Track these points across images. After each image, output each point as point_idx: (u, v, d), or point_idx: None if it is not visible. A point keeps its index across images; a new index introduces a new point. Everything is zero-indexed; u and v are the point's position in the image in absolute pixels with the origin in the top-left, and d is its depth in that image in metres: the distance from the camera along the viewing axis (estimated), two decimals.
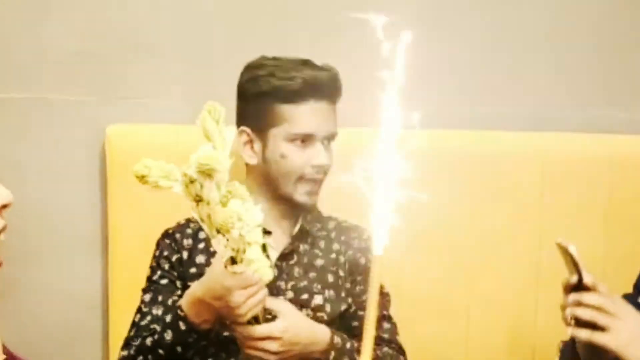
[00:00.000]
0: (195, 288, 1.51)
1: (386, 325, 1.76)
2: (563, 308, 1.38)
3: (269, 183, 1.70)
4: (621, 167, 2.03)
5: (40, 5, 1.90)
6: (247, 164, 1.72)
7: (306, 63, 1.68)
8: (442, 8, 2.06)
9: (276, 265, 1.69)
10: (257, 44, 1.81)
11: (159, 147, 1.88)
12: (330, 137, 1.69)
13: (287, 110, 1.66)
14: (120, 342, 1.65)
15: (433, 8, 2.04)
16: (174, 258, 1.69)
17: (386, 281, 1.77)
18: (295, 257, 1.71)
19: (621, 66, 2.18)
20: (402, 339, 1.76)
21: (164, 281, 1.68)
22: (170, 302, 1.63)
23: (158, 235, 1.73)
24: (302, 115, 1.65)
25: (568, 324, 1.38)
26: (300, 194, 1.68)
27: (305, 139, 1.66)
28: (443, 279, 2.01)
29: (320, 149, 1.67)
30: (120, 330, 1.79)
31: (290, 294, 1.68)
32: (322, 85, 1.65)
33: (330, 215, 1.78)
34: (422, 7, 2.00)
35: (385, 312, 1.78)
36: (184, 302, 1.54)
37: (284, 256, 1.71)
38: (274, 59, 1.69)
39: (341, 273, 1.74)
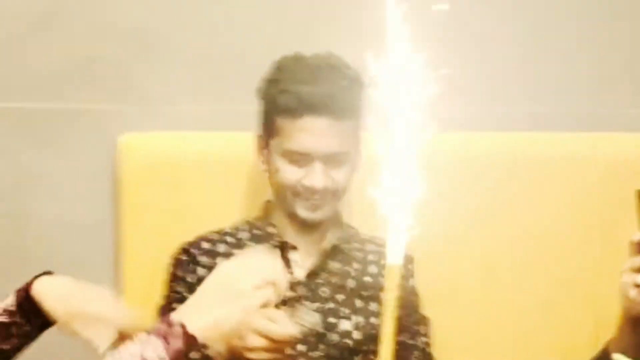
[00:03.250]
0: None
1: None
2: (635, 270, 1.34)
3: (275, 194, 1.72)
4: None
5: (49, 10, 1.92)
6: None
7: (330, 68, 1.63)
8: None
9: (302, 284, 1.68)
10: (272, 47, 1.81)
11: (174, 156, 1.90)
12: (335, 157, 1.64)
13: (281, 123, 1.64)
14: None
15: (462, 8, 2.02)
16: (189, 278, 1.69)
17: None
18: (324, 276, 1.70)
19: None
20: None
21: (176, 305, 1.63)
22: None
23: (173, 250, 1.74)
24: (295, 132, 1.63)
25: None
26: (300, 209, 1.67)
27: (299, 157, 1.64)
28: (478, 284, 1.98)
29: (317, 170, 1.63)
30: None
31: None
32: (322, 101, 1.60)
33: (372, 236, 1.76)
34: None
35: (425, 339, 1.76)
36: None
37: (312, 274, 1.70)
38: (298, 60, 1.66)
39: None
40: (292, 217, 1.69)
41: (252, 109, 1.75)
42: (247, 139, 1.81)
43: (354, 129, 1.66)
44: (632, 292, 1.35)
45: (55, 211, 1.94)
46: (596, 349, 1.54)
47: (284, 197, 1.67)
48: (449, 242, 1.92)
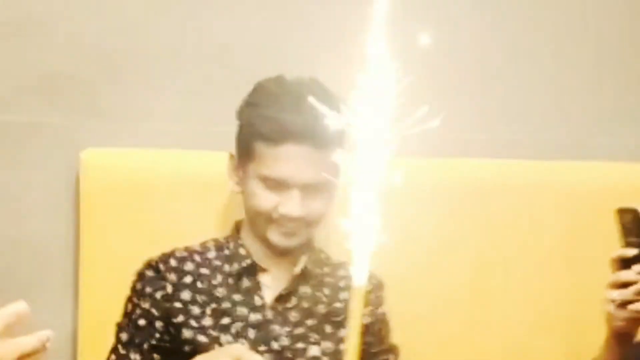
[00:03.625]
0: None
1: None
2: (613, 286, 1.42)
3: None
4: None
5: (12, 22, 1.89)
6: None
7: (313, 96, 1.59)
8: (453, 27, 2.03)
9: (271, 307, 1.67)
10: (247, 63, 1.82)
11: (138, 173, 1.87)
12: (313, 186, 1.61)
13: (260, 148, 1.62)
14: None
15: (440, 27, 2.01)
16: (158, 295, 1.66)
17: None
18: (294, 300, 1.69)
19: None
20: None
21: (142, 322, 1.67)
22: (146, 346, 1.64)
23: (135, 270, 1.71)
24: (274, 159, 1.61)
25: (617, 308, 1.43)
26: (273, 235, 1.65)
27: (276, 184, 1.62)
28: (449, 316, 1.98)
29: (294, 197, 1.61)
30: None
31: (285, 341, 1.66)
32: (304, 130, 1.57)
33: (343, 262, 1.74)
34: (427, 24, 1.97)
35: None
36: None
37: (282, 297, 1.68)
38: (280, 84, 1.65)
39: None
40: (265, 241, 1.67)
41: (220, 129, 1.73)
42: (213, 158, 1.79)
43: (334, 158, 1.62)
44: (610, 308, 1.45)
45: (12, 229, 1.91)
46: None
47: (257, 222, 1.66)
48: (417, 268, 1.92)
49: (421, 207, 1.89)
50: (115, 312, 1.70)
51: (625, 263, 1.44)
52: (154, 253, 1.71)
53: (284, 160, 1.60)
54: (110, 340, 1.69)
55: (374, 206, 0.98)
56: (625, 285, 1.43)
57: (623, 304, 1.43)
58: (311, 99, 1.57)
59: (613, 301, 1.44)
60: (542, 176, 2.03)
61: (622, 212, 1.44)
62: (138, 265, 1.71)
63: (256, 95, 1.66)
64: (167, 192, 1.87)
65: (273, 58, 1.94)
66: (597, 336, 1.56)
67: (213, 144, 1.80)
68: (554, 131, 2.12)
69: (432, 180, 1.95)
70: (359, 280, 0.99)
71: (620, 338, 1.48)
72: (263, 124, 1.60)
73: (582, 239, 2.00)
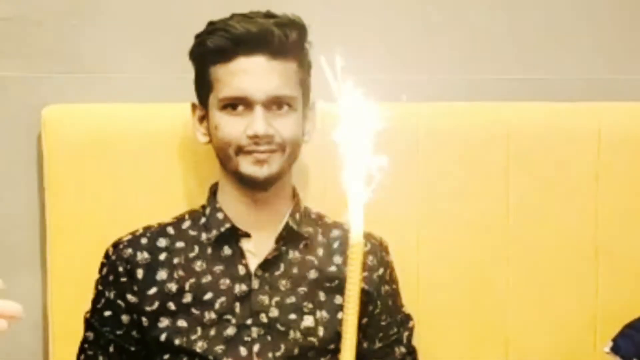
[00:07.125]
0: None
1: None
2: None
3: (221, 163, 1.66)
4: (608, 140, 1.95)
5: None
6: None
7: (265, 14, 1.62)
8: None
9: (257, 275, 1.61)
10: (224, 5, 1.72)
11: (106, 130, 1.83)
12: (277, 101, 1.59)
13: (214, 72, 1.61)
14: None
15: None
16: (121, 280, 1.61)
17: None
18: (282, 266, 1.63)
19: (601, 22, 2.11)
20: None
21: (108, 313, 1.63)
22: (112, 349, 1.62)
23: (106, 238, 1.65)
24: (229, 76, 1.59)
25: None
26: (244, 166, 1.60)
27: (239, 105, 1.59)
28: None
29: (258, 115, 1.58)
30: (63, 351, 1.79)
31: (274, 312, 1.61)
32: (255, 38, 1.57)
33: (337, 222, 1.70)
34: None
35: (403, 349, 1.73)
36: None
37: (267, 263, 1.62)
38: (234, 17, 1.63)
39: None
40: (238, 179, 1.62)
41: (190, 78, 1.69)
42: (185, 110, 1.74)
43: (296, 73, 1.63)
44: None
45: None
46: None
47: (227, 157, 1.61)
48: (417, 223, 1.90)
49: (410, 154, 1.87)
50: (86, 286, 1.66)
51: None
52: (125, 215, 1.70)
53: (240, 75, 1.59)
54: (83, 309, 1.66)
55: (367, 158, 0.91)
56: None
57: None
58: (263, 15, 1.60)
59: None
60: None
61: None
62: (109, 228, 1.68)
63: (206, 27, 1.65)
64: (137, 148, 1.83)
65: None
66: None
67: (183, 96, 1.74)
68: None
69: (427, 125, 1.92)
70: (356, 236, 0.92)
71: None
72: (212, 40, 1.60)
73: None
